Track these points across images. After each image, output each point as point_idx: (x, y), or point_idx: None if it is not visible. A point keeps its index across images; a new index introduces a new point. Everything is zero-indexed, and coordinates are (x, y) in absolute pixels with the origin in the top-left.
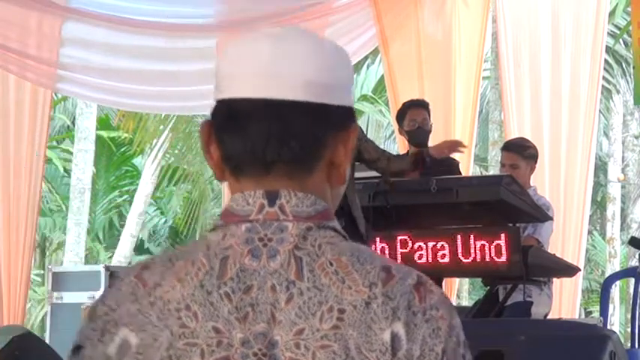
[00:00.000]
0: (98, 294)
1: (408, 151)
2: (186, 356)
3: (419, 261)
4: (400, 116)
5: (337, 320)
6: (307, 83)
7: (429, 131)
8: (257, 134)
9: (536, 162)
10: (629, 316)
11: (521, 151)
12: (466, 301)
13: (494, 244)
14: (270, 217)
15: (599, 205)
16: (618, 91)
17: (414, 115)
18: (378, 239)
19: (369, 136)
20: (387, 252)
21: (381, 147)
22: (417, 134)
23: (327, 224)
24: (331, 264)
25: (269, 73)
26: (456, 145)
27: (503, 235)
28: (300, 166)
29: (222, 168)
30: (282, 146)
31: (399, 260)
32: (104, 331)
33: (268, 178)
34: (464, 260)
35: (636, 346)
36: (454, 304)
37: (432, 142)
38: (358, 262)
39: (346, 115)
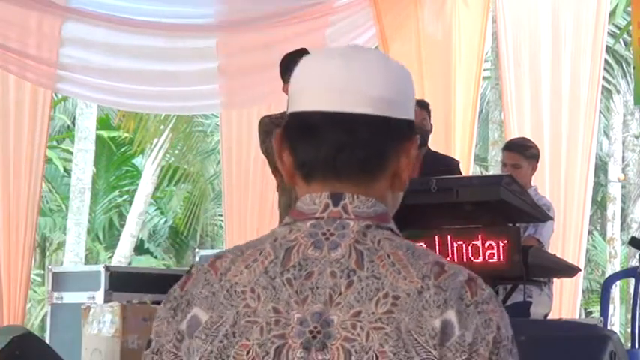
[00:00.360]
0: (98, 294)
1: None
2: (248, 332)
3: None
4: None
5: (391, 305)
6: (374, 98)
7: (429, 131)
8: (329, 144)
9: (537, 162)
10: (629, 316)
11: (523, 151)
12: None
13: (494, 244)
14: (333, 216)
15: (599, 205)
16: (618, 91)
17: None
18: None
19: None
20: None
21: None
22: None
23: (385, 225)
24: (389, 256)
25: (340, 89)
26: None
27: (503, 236)
28: (367, 175)
29: (292, 174)
30: (352, 156)
31: None
32: (177, 310)
33: (337, 184)
34: (463, 260)
35: (636, 346)
36: None
37: (432, 142)
38: (413, 256)
39: (408, 127)
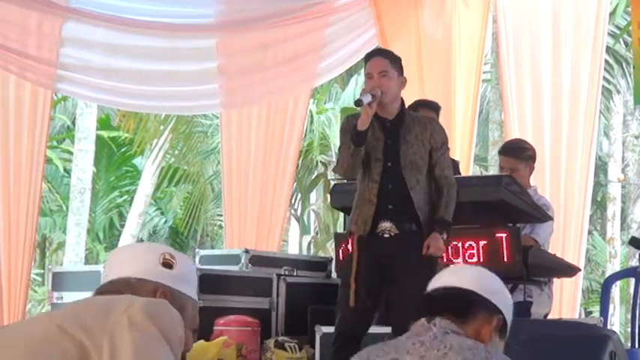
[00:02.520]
0: None
1: None
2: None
3: None
4: None
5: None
6: (473, 282)
7: None
8: (442, 302)
9: (534, 161)
10: (629, 316)
11: (518, 154)
12: None
13: (494, 244)
14: (426, 329)
15: (599, 205)
16: (618, 91)
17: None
18: None
19: None
20: None
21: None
22: None
23: (460, 332)
24: (453, 345)
25: (451, 273)
26: None
27: (503, 235)
28: (456, 320)
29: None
30: (451, 308)
31: None
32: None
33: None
34: (465, 260)
35: (636, 346)
36: None
37: None
38: (470, 350)
39: (493, 309)
